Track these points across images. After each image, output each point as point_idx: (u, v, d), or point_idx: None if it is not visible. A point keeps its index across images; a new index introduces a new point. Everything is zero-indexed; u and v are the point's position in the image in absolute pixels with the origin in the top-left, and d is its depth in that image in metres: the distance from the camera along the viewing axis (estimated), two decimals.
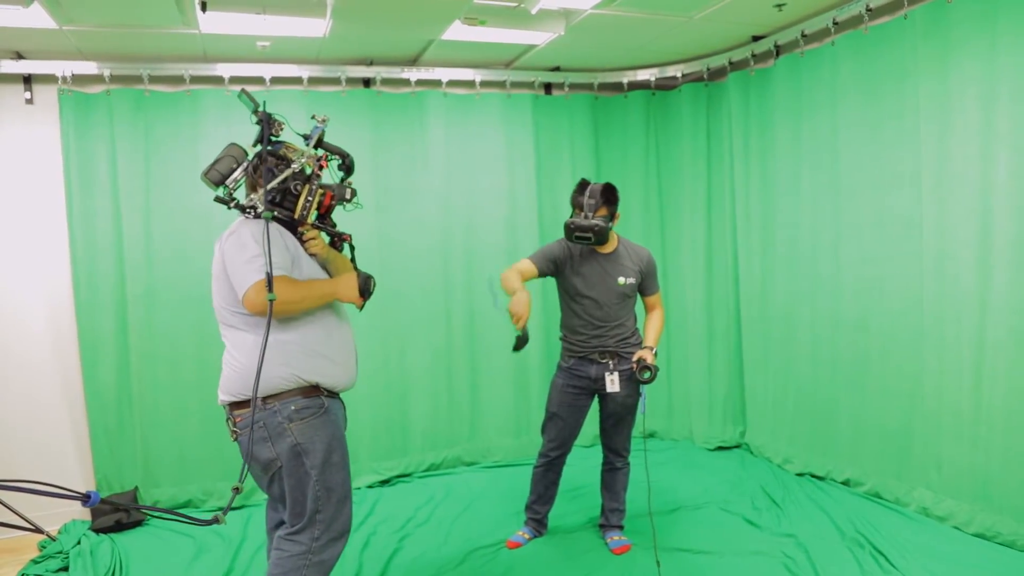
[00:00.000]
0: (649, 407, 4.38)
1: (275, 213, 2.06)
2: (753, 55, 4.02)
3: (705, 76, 4.41)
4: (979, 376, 3.00)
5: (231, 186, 2.04)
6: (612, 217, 2.89)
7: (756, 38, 3.99)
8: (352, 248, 2.29)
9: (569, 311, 3.03)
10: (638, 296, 3.06)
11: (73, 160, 3.59)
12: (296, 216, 2.08)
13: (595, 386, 3.00)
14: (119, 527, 3.49)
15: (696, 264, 4.58)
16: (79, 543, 3.31)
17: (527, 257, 2.95)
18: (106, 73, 3.60)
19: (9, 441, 3.64)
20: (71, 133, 3.59)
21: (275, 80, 3.91)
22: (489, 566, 2.98)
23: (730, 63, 4.18)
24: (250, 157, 2.07)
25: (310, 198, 2.08)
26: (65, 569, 3.11)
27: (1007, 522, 2.89)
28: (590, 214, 2.82)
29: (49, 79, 3.61)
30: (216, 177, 2.02)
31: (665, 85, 4.65)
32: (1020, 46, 2.77)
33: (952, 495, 3.13)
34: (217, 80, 3.82)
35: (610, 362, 2.96)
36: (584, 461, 3.93)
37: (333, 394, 2.15)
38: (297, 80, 3.95)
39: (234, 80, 3.82)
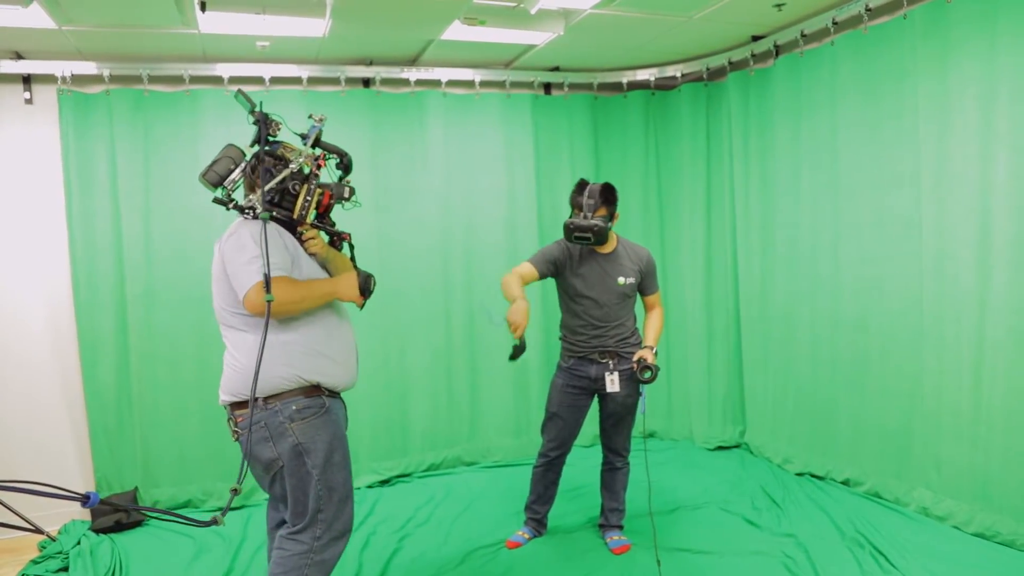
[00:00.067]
0: (649, 407, 4.38)
1: (274, 213, 2.06)
2: (752, 55, 4.02)
3: (704, 76, 4.41)
4: (979, 376, 3.00)
5: (229, 187, 2.04)
6: (611, 217, 2.89)
7: (756, 38, 3.99)
8: (352, 247, 2.29)
9: (569, 311, 3.03)
10: (637, 296, 3.06)
11: (72, 160, 3.59)
12: (295, 216, 2.08)
13: (595, 386, 3.00)
14: (119, 527, 3.49)
15: (696, 264, 4.58)
16: (79, 543, 3.31)
17: (527, 260, 2.94)
18: (105, 73, 3.60)
19: (9, 441, 3.64)
20: (70, 133, 3.59)
21: (274, 80, 3.91)
22: (489, 566, 2.98)
23: (730, 63, 4.18)
24: (248, 158, 2.07)
25: (308, 198, 2.08)
26: (65, 569, 3.11)
27: (1006, 522, 2.90)
28: (589, 214, 2.82)
29: (48, 79, 3.61)
30: (214, 178, 2.02)
31: (664, 85, 4.65)
32: (1019, 46, 2.77)
33: (952, 495, 3.14)
34: (217, 80, 3.82)
35: (610, 362, 2.96)
36: (584, 461, 3.93)
37: (334, 394, 2.15)
38: (297, 80, 3.95)
39: (233, 80, 3.82)
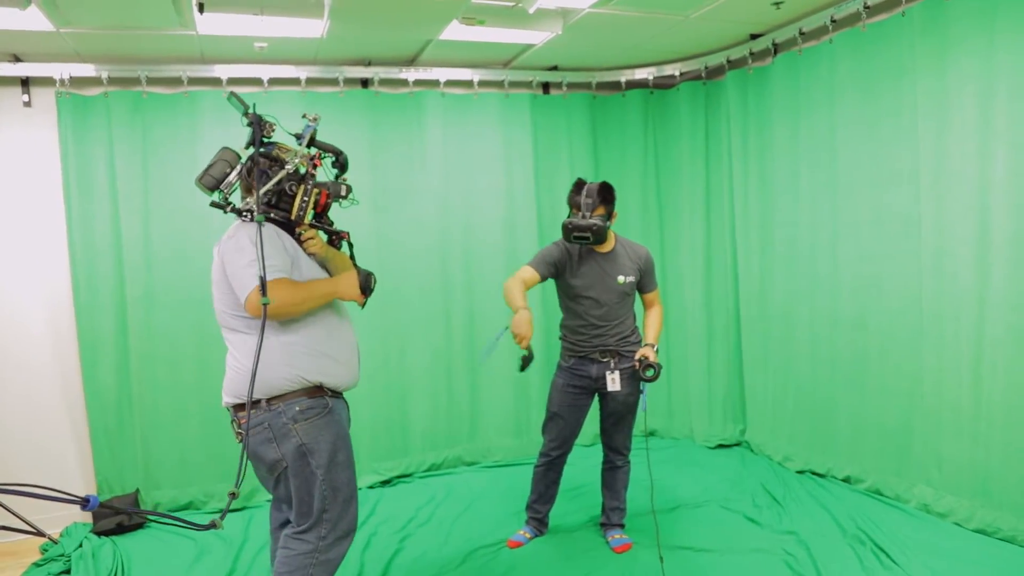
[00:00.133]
0: (650, 406, 4.38)
1: (271, 215, 2.06)
2: (751, 53, 4.02)
3: (703, 75, 4.41)
4: (978, 373, 3.00)
5: (226, 190, 2.04)
6: (609, 216, 2.89)
7: (754, 36, 3.99)
8: (351, 245, 2.28)
9: (569, 311, 3.03)
10: (636, 294, 3.07)
11: (71, 162, 3.59)
12: (293, 217, 2.08)
13: (596, 385, 3.00)
14: (120, 530, 3.49)
15: (695, 263, 4.58)
16: (81, 546, 3.31)
17: (527, 264, 2.93)
18: (104, 75, 3.60)
19: (10, 443, 3.64)
20: (69, 135, 3.59)
21: (273, 81, 3.91)
22: (490, 566, 2.98)
23: (728, 61, 4.18)
24: (243, 160, 2.07)
25: (306, 198, 2.07)
26: (67, 572, 3.11)
27: (1007, 518, 2.90)
28: (588, 213, 2.82)
29: (47, 82, 3.61)
30: (210, 182, 2.02)
31: (663, 84, 4.65)
32: (1018, 43, 2.78)
33: (952, 491, 3.14)
34: (215, 82, 3.82)
35: (611, 361, 2.96)
36: (584, 460, 3.94)
37: (337, 394, 2.15)
38: (295, 81, 3.95)
39: (232, 81, 3.82)
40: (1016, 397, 2.87)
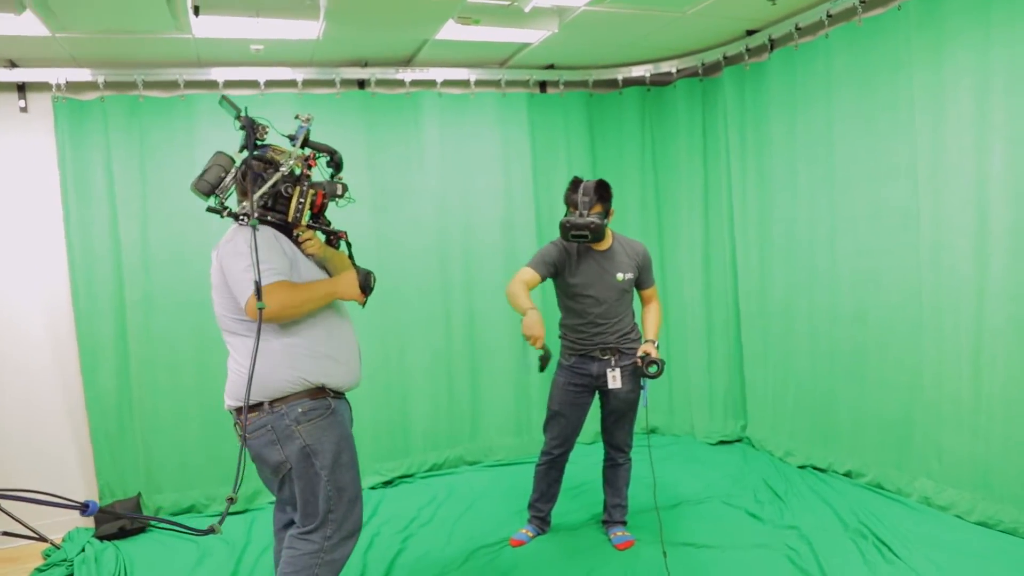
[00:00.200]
0: (650, 403, 4.38)
1: (268, 218, 2.06)
2: (747, 49, 4.02)
3: (700, 71, 4.41)
4: (978, 365, 3.01)
5: (222, 195, 2.04)
6: (607, 214, 2.89)
7: (750, 32, 3.99)
8: (349, 245, 2.28)
9: (569, 310, 3.03)
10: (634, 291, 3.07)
11: (69, 167, 3.59)
12: (289, 219, 2.08)
13: (597, 383, 3.00)
14: (123, 534, 3.49)
15: (694, 259, 4.58)
16: (83, 551, 3.31)
17: (527, 265, 2.93)
18: (100, 80, 3.59)
19: (10, 449, 3.64)
20: (66, 140, 3.58)
21: (269, 83, 3.90)
22: (493, 565, 2.98)
23: (725, 58, 4.18)
24: (238, 164, 2.07)
25: (302, 199, 2.07)
26: None
27: (1008, 510, 2.90)
28: (585, 212, 2.81)
29: (43, 87, 3.60)
30: (205, 188, 2.02)
31: (660, 81, 4.65)
32: (1013, 36, 2.78)
33: (953, 484, 3.14)
34: (211, 85, 3.82)
35: (612, 359, 2.96)
36: (586, 458, 3.93)
37: (339, 395, 2.15)
38: (291, 83, 3.95)
39: (228, 84, 3.81)
40: (1016, 389, 2.87)
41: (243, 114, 2.02)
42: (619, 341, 2.97)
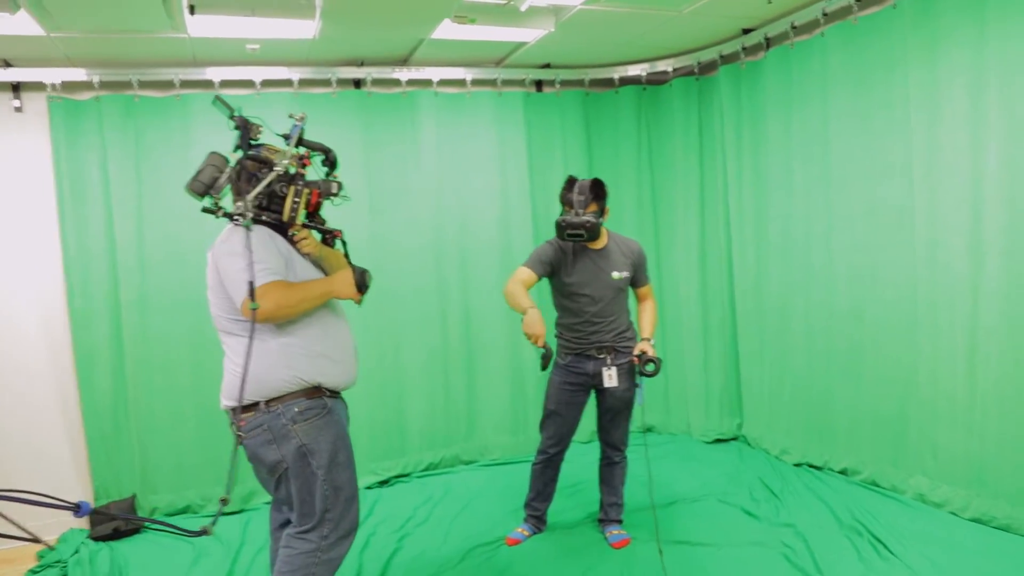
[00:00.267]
0: (646, 401, 4.38)
1: (263, 217, 2.06)
2: (743, 48, 4.03)
3: (696, 70, 4.42)
4: (973, 362, 3.02)
5: (216, 195, 2.03)
6: (602, 212, 2.89)
7: (746, 31, 3.99)
8: (344, 243, 2.28)
9: (565, 309, 3.03)
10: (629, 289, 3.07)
11: (64, 167, 3.58)
12: (284, 218, 2.08)
13: (593, 382, 3.00)
14: (118, 535, 3.48)
15: (690, 258, 4.59)
16: (77, 552, 3.30)
17: (523, 265, 2.92)
18: (95, 79, 3.58)
19: (5, 449, 3.63)
20: (61, 140, 3.58)
21: (265, 83, 3.90)
22: (489, 563, 2.99)
23: (720, 57, 4.19)
24: (232, 163, 2.06)
25: (297, 199, 2.07)
26: None
27: (1003, 506, 2.91)
28: (580, 210, 2.82)
29: (38, 87, 3.59)
30: (200, 188, 2.01)
31: (656, 80, 4.65)
32: (1008, 34, 2.79)
33: (948, 481, 3.15)
34: (207, 84, 3.81)
35: (608, 357, 2.96)
36: (582, 457, 3.94)
37: (335, 394, 2.15)
38: (287, 82, 3.95)
39: (224, 84, 3.81)
40: (1010, 386, 2.88)
41: (237, 114, 2.01)
42: (615, 340, 2.97)
